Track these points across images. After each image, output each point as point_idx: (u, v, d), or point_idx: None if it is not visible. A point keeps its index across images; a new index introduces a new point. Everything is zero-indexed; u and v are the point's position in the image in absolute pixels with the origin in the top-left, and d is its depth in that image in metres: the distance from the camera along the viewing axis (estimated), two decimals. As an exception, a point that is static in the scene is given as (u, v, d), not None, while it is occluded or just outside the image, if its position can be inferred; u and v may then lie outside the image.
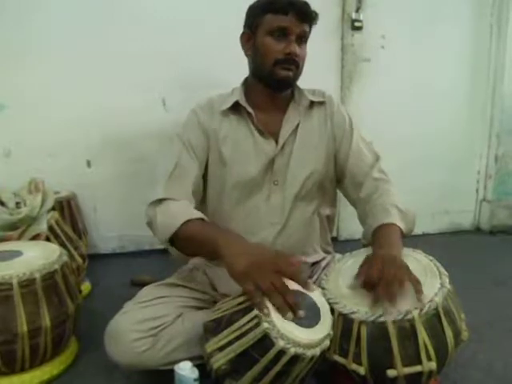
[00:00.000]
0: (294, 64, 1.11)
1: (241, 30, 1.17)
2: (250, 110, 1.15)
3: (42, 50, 1.83)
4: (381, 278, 0.87)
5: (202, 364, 0.92)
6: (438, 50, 2.21)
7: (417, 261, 0.98)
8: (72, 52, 1.85)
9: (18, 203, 1.49)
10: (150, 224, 1.08)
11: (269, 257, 0.88)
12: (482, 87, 2.35)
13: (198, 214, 1.03)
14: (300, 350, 0.79)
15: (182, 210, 1.03)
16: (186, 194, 1.10)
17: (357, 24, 2.07)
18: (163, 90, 1.95)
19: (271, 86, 1.15)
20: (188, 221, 1.00)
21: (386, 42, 2.15)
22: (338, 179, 1.25)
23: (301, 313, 0.82)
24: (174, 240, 1.02)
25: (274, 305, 0.81)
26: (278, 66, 1.10)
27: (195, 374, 0.92)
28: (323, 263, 1.24)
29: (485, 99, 2.36)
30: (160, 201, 1.07)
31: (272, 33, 1.09)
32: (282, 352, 0.78)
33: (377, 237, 1.04)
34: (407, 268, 0.91)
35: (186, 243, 1.01)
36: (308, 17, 1.10)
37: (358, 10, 2.07)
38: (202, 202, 1.22)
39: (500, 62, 2.30)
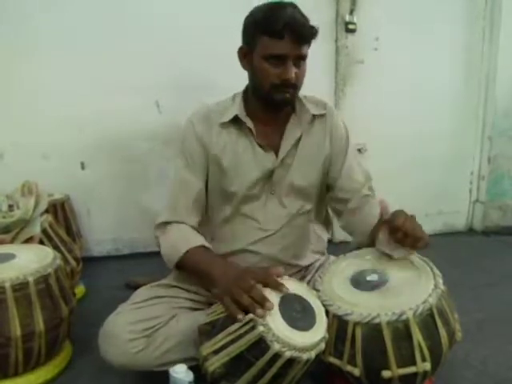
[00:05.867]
0: (292, 87, 1.08)
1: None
2: (250, 125, 1.14)
3: (35, 52, 1.82)
4: (405, 223, 0.92)
5: (197, 365, 0.92)
6: (431, 53, 2.23)
7: (410, 262, 0.99)
8: (66, 54, 1.84)
9: (10, 206, 1.48)
10: (158, 248, 1.13)
11: (248, 271, 0.92)
12: (475, 89, 2.37)
13: (197, 242, 1.07)
14: (295, 354, 0.79)
15: (182, 239, 1.08)
16: (188, 211, 1.14)
17: (350, 26, 2.08)
18: (157, 91, 1.95)
19: (269, 106, 1.14)
20: (187, 251, 1.04)
21: (380, 44, 2.16)
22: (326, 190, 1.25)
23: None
24: (180, 266, 1.08)
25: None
26: (274, 90, 1.08)
27: (190, 377, 0.92)
28: (317, 264, 1.25)
29: (477, 101, 2.38)
30: (164, 224, 1.12)
31: (268, 58, 1.05)
32: (277, 355, 0.78)
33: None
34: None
35: (188, 272, 1.09)
36: (305, 39, 1.05)
37: (351, 13, 2.08)
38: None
39: (492, 64, 2.32)
